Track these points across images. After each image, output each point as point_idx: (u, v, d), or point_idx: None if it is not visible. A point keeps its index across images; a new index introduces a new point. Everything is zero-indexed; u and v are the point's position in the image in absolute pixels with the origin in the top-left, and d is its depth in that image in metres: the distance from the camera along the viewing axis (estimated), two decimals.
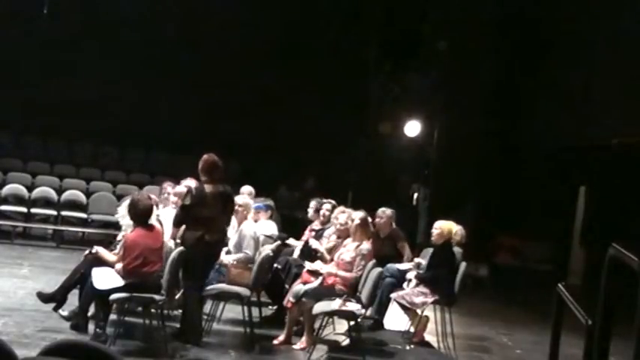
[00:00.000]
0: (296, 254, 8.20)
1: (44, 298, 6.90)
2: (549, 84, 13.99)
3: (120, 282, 6.28)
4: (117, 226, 7.61)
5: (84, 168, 14.94)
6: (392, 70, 16.51)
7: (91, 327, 6.50)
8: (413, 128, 15.57)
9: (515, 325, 9.79)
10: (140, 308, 6.62)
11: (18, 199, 12.99)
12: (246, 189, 9.00)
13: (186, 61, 15.56)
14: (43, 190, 13.17)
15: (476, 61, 14.62)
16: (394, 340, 7.91)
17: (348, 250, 7.27)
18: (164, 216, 7.25)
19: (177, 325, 6.99)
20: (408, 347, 7.72)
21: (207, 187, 6.78)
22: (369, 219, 7.48)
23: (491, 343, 8.55)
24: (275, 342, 7.11)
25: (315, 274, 7.18)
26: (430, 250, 8.51)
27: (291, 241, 8.60)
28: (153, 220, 6.66)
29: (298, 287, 7.09)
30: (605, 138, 11.88)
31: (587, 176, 13.87)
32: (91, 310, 6.61)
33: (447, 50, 15.07)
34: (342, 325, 7.42)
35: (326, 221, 8.33)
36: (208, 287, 6.96)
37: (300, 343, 6.99)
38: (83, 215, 12.96)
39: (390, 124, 16.47)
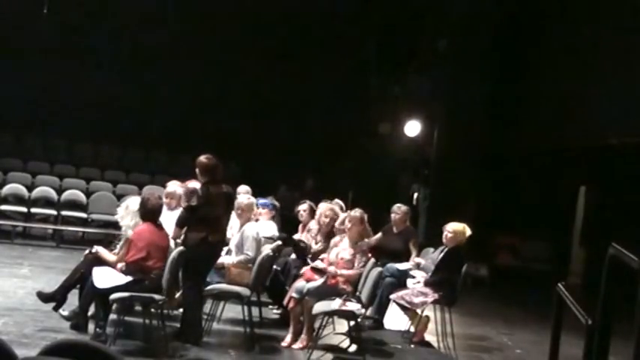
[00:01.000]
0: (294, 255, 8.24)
1: (44, 297, 6.90)
2: (549, 84, 13.98)
3: (120, 280, 6.28)
4: (117, 225, 7.61)
5: (84, 168, 14.95)
6: (392, 70, 16.52)
7: (91, 327, 6.49)
8: (413, 128, 15.58)
9: (515, 324, 9.80)
10: (140, 308, 6.62)
11: (18, 199, 12.99)
12: (243, 188, 9.00)
13: (186, 61, 15.57)
14: (43, 190, 13.17)
15: (476, 61, 14.62)
16: (394, 339, 7.91)
17: (344, 248, 7.27)
18: (163, 216, 7.23)
19: (178, 325, 6.98)
20: (408, 347, 7.71)
21: (212, 188, 6.77)
22: (365, 217, 7.48)
23: (491, 343, 8.55)
24: (283, 344, 7.09)
25: (319, 272, 7.18)
26: (430, 249, 8.52)
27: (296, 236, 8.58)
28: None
29: (301, 284, 7.09)
30: (605, 138, 11.88)
31: (587, 176, 13.88)
32: (91, 310, 6.61)
33: (447, 50, 15.08)
34: (342, 325, 7.42)
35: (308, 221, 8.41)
36: (208, 287, 6.96)
37: (300, 342, 6.99)
38: (83, 215, 12.96)
39: (390, 124, 16.48)
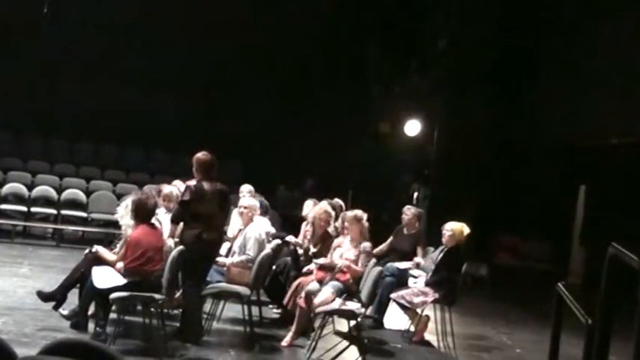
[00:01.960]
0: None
1: (44, 297, 6.90)
2: (549, 84, 13.99)
3: (120, 281, 6.28)
4: (117, 225, 7.61)
5: (84, 167, 14.95)
6: (392, 70, 16.52)
7: (91, 326, 6.49)
8: (413, 128, 15.58)
9: (515, 324, 9.80)
10: (140, 307, 6.62)
11: (18, 198, 12.99)
12: (246, 187, 9.00)
13: (186, 61, 15.57)
14: (43, 189, 13.18)
15: (476, 60, 14.62)
16: (394, 339, 7.91)
17: (347, 249, 7.28)
18: (162, 216, 7.23)
19: (177, 325, 6.99)
20: (408, 346, 7.71)
21: (206, 185, 6.79)
22: (365, 218, 7.48)
23: (491, 343, 8.55)
24: (284, 343, 7.11)
25: (327, 269, 7.17)
26: (430, 249, 8.52)
27: (290, 238, 8.57)
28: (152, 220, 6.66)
29: (313, 285, 7.08)
30: (605, 138, 11.89)
31: (587, 176, 13.88)
32: (91, 309, 6.61)
33: (447, 50, 15.07)
34: (343, 325, 7.42)
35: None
36: (208, 286, 6.96)
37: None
38: (83, 214, 12.96)
39: (390, 123, 16.48)
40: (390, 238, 8.84)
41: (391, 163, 16.75)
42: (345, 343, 7.09)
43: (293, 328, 7.16)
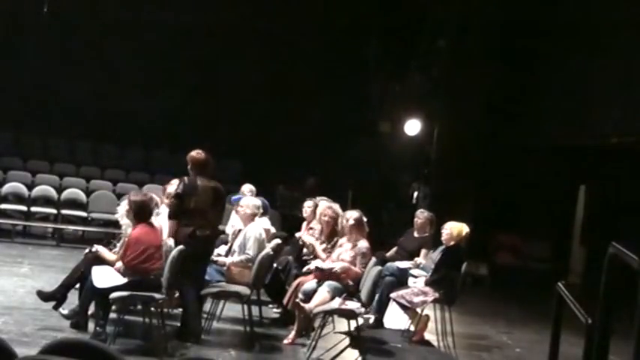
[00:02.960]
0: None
1: (44, 296, 6.90)
2: (549, 83, 13.98)
3: (120, 280, 6.28)
4: (117, 224, 7.61)
5: (84, 166, 14.95)
6: (392, 69, 16.51)
7: (91, 325, 6.50)
8: (413, 127, 15.57)
9: (515, 323, 9.80)
10: (140, 307, 6.62)
11: (18, 198, 13.00)
12: (247, 187, 9.00)
13: (186, 61, 15.56)
14: (43, 189, 13.18)
15: (476, 60, 14.61)
16: (394, 338, 7.91)
17: (346, 249, 7.28)
18: (162, 216, 7.23)
19: (177, 324, 6.99)
20: (408, 346, 7.71)
21: (199, 180, 6.84)
22: (364, 218, 7.48)
23: (491, 342, 8.56)
24: (285, 341, 7.11)
25: (325, 272, 7.17)
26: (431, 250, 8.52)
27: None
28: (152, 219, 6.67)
29: (311, 285, 7.08)
30: (605, 138, 11.87)
31: (587, 175, 13.88)
32: (91, 309, 6.61)
33: (447, 49, 15.06)
34: (342, 324, 7.42)
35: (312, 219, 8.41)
36: (208, 286, 6.97)
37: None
38: (83, 214, 12.97)
39: (390, 123, 16.47)
40: (395, 248, 8.87)
41: (391, 163, 16.74)
42: (346, 342, 7.10)
43: (295, 326, 7.17)
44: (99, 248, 6.90)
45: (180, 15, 15.57)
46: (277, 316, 8.18)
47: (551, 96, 13.72)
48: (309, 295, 6.97)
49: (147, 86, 15.20)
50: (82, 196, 13.24)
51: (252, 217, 7.52)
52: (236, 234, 7.79)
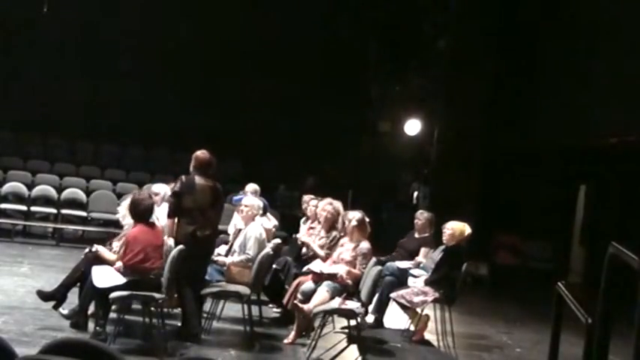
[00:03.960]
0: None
1: (44, 296, 6.90)
2: (549, 83, 13.99)
3: (120, 280, 6.28)
4: (117, 224, 7.60)
5: (84, 166, 14.96)
6: (392, 70, 16.52)
7: (90, 325, 6.49)
8: (413, 127, 15.59)
9: (515, 323, 9.80)
10: (140, 306, 6.62)
11: (18, 198, 13.00)
12: (251, 187, 8.99)
13: (186, 61, 15.57)
14: (43, 189, 13.18)
15: (476, 60, 14.62)
16: (394, 338, 7.91)
17: (347, 249, 7.28)
18: (161, 215, 7.23)
19: (177, 324, 6.99)
20: (408, 346, 7.71)
21: (198, 179, 6.85)
22: (366, 219, 7.47)
23: (491, 342, 8.55)
24: (286, 341, 7.12)
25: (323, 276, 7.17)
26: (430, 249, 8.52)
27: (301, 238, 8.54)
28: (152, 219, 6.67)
29: (309, 285, 7.08)
30: (605, 138, 11.88)
31: (587, 175, 13.88)
32: (91, 309, 6.61)
33: (447, 49, 15.07)
34: (342, 324, 7.43)
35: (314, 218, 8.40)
36: (208, 286, 6.97)
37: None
38: (83, 213, 12.97)
39: (390, 122, 16.48)
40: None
41: (391, 163, 16.75)
42: (345, 342, 7.10)
43: (295, 326, 7.17)
44: (99, 248, 6.90)
45: (181, 17, 15.58)
46: (277, 315, 8.18)
47: (551, 96, 13.73)
48: (308, 296, 6.97)
49: (147, 86, 15.21)
50: (82, 195, 13.24)
51: (252, 217, 7.53)
52: (236, 234, 7.80)
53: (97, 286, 6.30)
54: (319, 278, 7.11)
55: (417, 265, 8.24)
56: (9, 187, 13.03)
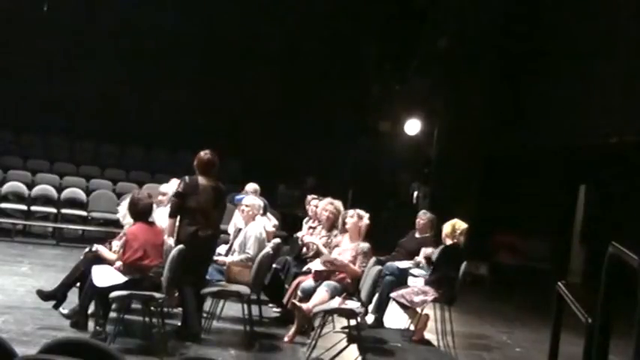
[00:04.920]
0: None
1: (44, 295, 6.90)
2: (549, 83, 13.98)
3: (120, 279, 6.28)
4: (117, 223, 7.60)
5: (84, 166, 14.96)
6: (392, 70, 16.52)
7: (90, 325, 6.49)
8: (413, 127, 15.59)
9: (515, 323, 9.80)
10: (140, 306, 6.62)
11: (18, 197, 13.01)
12: (251, 186, 8.99)
13: (186, 60, 15.58)
14: (43, 188, 13.18)
15: (476, 60, 14.62)
16: (394, 338, 7.91)
17: (347, 249, 7.27)
18: (160, 216, 7.23)
19: (177, 323, 6.99)
20: (408, 345, 7.72)
21: (201, 179, 6.85)
22: (365, 217, 7.47)
23: (491, 342, 8.55)
24: (285, 339, 7.13)
25: (323, 272, 7.17)
26: (431, 249, 8.51)
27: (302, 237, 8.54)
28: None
29: (309, 283, 7.08)
30: (605, 138, 11.88)
31: (587, 175, 13.87)
32: (91, 308, 6.61)
33: (447, 49, 15.07)
34: (342, 324, 7.43)
35: (315, 217, 8.40)
36: (208, 285, 6.97)
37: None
38: (83, 213, 12.98)
39: (390, 122, 16.48)
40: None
41: (391, 162, 16.76)
42: (345, 341, 7.10)
43: (294, 325, 7.17)
44: (99, 247, 6.90)
45: (181, 16, 15.58)
46: (277, 315, 8.17)
47: (551, 96, 13.72)
48: (307, 294, 6.97)
49: (147, 86, 15.21)
50: (82, 195, 13.24)
51: (253, 217, 7.53)
52: (236, 233, 7.80)
53: (97, 286, 6.30)
54: (319, 277, 7.11)
55: (417, 265, 8.24)
56: (9, 186, 13.03)
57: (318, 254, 7.73)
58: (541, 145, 14.09)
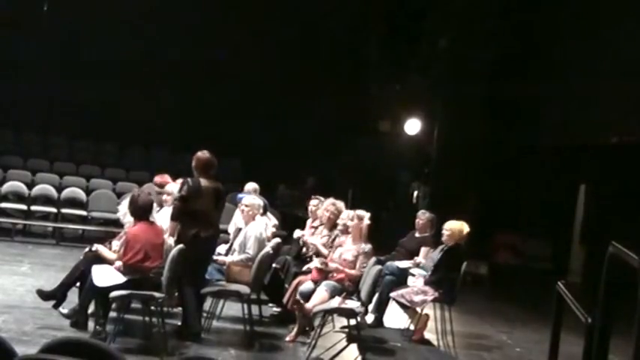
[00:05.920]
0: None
1: (44, 295, 6.90)
2: (549, 83, 13.98)
3: (120, 279, 6.28)
4: (117, 223, 7.60)
5: (84, 165, 14.97)
6: (392, 69, 16.51)
7: (90, 324, 6.50)
8: (413, 126, 15.58)
9: (515, 323, 9.80)
10: (140, 306, 6.62)
11: (18, 197, 13.01)
12: (251, 186, 8.98)
13: (186, 60, 15.57)
14: (43, 188, 13.18)
15: (476, 59, 14.62)
16: (394, 337, 7.91)
17: (349, 249, 7.28)
18: (160, 216, 7.23)
19: (177, 323, 7.00)
20: (408, 345, 7.72)
21: (203, 181, 6.85)
22: (367, 217, 7.47)
23: (491, 341, 8.56)
24: (287, 338, 7.14)
25: (323, 271, 7.17)
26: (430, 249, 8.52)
27: (297, 232, 8.54)
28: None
29: (308, 285, 7.08)
30: (605, 137, 11.88)
31: (587, 175, 13.88)
32: (91, 308, 6.61)
33: (447, 49, 15.07)
34: (342, 324, 7.42)
35: (315, 217, 8.41)
36: (208, 285, 6.97)
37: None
38: (83, 213, 12.98)
39: (390, 122, 16.48)
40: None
41: (391, 162, 16.75)
42: (345, 341, 7.10)
43: (296, 325, 7.18)
44: (99, 247, 6.90)
45: (181, 15, 15.57)
46: (277, 314, 8.17)
47: (551, 96, 13.72)
48: (306, 297, 6.97)
49: (147, 85, 15.20)
50: (81, 195, 13.24)
51: (253, 217, 7.53)
52: (236, 233, 7.80)
53: (97, 285, 6.30)
54: (319, 277, 7.12)
55: (417, 265, 8.24)
56: (9, 186, 13.03)
57: (317, 254, 7.74)
58: (541, 145, 14.09)
